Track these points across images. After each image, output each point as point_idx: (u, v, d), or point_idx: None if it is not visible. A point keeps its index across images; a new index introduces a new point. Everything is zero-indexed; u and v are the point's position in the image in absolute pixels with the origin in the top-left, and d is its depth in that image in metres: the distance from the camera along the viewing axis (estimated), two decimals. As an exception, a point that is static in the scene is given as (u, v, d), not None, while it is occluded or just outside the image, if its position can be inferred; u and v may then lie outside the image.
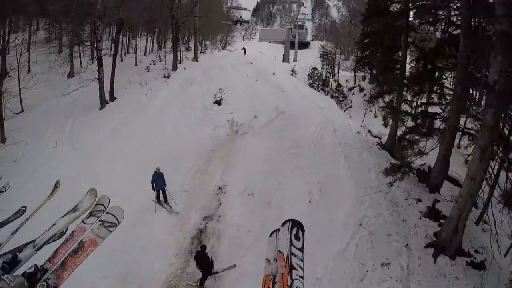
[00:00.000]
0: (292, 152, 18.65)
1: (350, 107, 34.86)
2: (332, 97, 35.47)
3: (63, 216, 4.16)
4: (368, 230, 14.79)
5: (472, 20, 16.57)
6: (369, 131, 30.52)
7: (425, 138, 18.65)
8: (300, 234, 2.99)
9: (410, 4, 20.94)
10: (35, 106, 28.11)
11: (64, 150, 22.13)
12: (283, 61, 42.88)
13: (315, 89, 31.12)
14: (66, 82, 31.68)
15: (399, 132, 20.65)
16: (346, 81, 42.76)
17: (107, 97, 27.97)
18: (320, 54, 38.38)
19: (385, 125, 27.50)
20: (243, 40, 75.06)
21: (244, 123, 21.88)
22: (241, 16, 36.24)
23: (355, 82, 41.30)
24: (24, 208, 5.86)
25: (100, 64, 27.32)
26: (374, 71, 37.49)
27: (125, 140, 21.91)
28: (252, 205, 15.51)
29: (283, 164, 17.53)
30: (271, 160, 17.79)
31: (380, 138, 28.98)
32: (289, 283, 2.74)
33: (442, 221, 15.95)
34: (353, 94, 39.10)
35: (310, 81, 31.17)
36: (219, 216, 15.62)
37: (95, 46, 27.18)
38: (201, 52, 38.43)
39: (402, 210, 16.27)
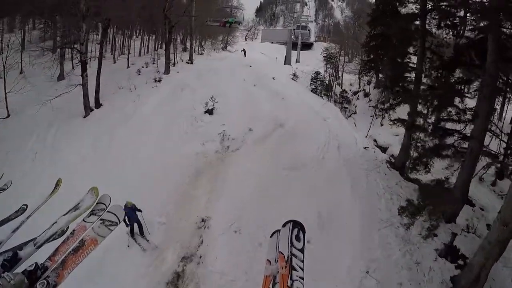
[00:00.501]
0: (290, 175, 15.59)
1: (355, 113, 31.75)
2: (336, 102, 32.45)
3: (64, 215, 3.92)
4: (376, 279, 11.82)
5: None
6: (375, 141, 27.58)
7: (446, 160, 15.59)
8: (301, 235, 2.82)
9: (428, 5, 17.33)
10: (21, 111, 25.38)
11: (42, 164, 19.46)
12: (284, 63, 39.83)
13: (317, 94, 28.05)
14: (55, 85, 28.79)
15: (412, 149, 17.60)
16: (350, 84, 39.63)
17: (92, 103, 25.09)
18: (324, 56, 35.23)
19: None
20: (245, 40, 71.95)
21: (237, 137, 18.87)
22: (234, 15, 31.03)
23: (359, 86, 38.14)
24: (25, 206, 5.39)
25: (83, 69, 24.41)
26: (380, 75, 34.54)
27: (105, 154, 19.27)
28: (239, 246, 12.56)
29: (277, 190, 14.51)
30: (264, 186, 14.79)
31: (387, 148, 26.25)
32: (289, 284, 2.65)
33: (460, 261, 13.18)
34: (358, 98, 35.97)
35: (313, 86, 28.10)
36: (200, 257, 12.67)
37: (78, 49, 24.16)
38: (198, 54, 35.38)
39: (415, 248, 13.31)
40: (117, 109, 24.29)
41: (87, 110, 24.90)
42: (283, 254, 2.84)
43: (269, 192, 14.54)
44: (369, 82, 36.89)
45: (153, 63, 29.93)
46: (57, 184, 5.81)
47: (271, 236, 3.27)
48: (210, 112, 21.08)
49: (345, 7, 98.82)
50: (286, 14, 72.67)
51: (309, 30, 63.66)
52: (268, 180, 15.12)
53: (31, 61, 31.20)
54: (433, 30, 19.40)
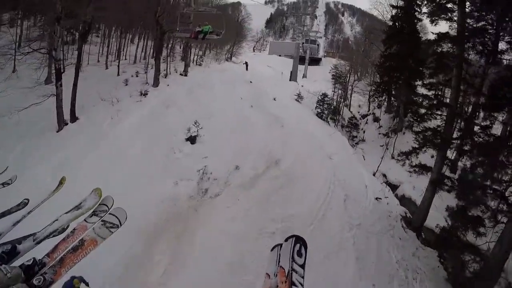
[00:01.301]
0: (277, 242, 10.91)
1: (363, 140, 27.07)
2: (343, 127, 27.85)
3: (66, 213, 3.63)
4: None
5: None
6: (384, 176, 23.01)
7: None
8: (303, 251, 2.55)
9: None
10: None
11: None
12: (290, 79, 35.29)
13: (324, 119, 23.47)
14: (40, 89, 24.48)
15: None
16: (359, 106, 34.89)
17: (67, 116, 20.88)
18: (333, 75, 30.66)
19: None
20: (253, 51, 67.76)
21: (219, 177, 14.47)
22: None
23: (368, 109, 33.42)
24: (27, 201, 4.93)
25: (58, 78, 20.18)
26: (392, 98, 29.91)
27: (66, 186, 14.58)
28: None
29: (258, 266, 9.91)
30: (240, 260, 10.24)
31: (398, 186, 21.81)
32: None
33: None
34: (366, 123, 31.29)
35: (318, 110, 23.56)
36: None
37: (53, 55, 19.93)
38: (196, 64, 30.94)
39: None
40: (93, 125, 20.07)
41: (61, 124, 20.69)
42: (283, 269, 2.53)
43: (247, 269, 9.96)
44: (379, 106, 32.24)
45: (145, 72, 25.56)
46: (61, 182, 5.23)
47: (271, 250, 2.79)
48: (192, 140, 16.65)
49: (355, 23, 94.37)
50: (296, 27, 68.09)
51: (318, 45, 59.07)
52: (248, 251, 10.55)
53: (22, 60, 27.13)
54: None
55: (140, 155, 16.02)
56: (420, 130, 15.04)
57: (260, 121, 18.99)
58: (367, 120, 31.83)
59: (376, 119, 31.03)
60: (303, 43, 57.25)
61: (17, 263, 2.94)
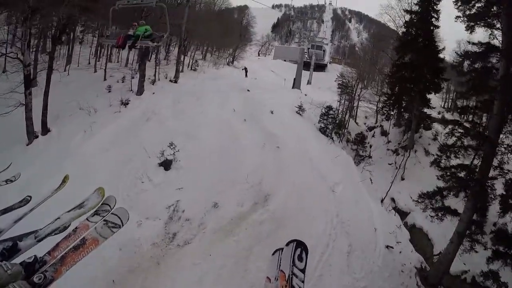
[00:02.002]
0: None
1: (369, 157, 23.56)
2: (348, 142, 24.40)
3: (68, 211, 3.52)
4: None
5: None
6: (393, 201, 19.66)
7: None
8: (304, 255, 2.50)
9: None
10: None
11: None
12: (293, 87, 31.84)
13: (327, 134, 20.02)
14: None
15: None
16: (365, 117, 31.29)
17: (38, 127, 18.03)
18: (339, 84, 27.17)
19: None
20: (258, 55, 64.37)
21: (193, 217, 11.17)
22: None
23: (376, 121, 29.87)
24: (29, 198, 4.63)
25: (27, 85, 17.17)
26: (402, 110, 26.32)
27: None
28: None
29: None
30: None
31: (407, 214, 18.60)
32: None
33: None
34: (373, 136, 27.75)
35: (322, 124, 20.11)
36: None
37: (21, 59, 16.88)
38: (190, 69, 27.60)
39: None
40: (64, 139, 17.09)
41: (31, 136, 17.86)
42: (284, 273, 2.47)
43: None
44: (387, 118, 28.68)
45: (132, 78, 22.38)
46: (64, 181, 4.96)
47: (273, 254, 2.72)
48: (166, 165, 13.31)
49: (362, 29, 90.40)
50: (302, 32, 64.43)
51: (324, 51, 55.39)
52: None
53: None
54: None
55: (106, 181, 12.73)
56: (448, 165, 11.50)
57: (252, 140, 15.61)
58: (374, 133, 28.28)
59: (384, 133, 27.46)
60: (308, 48, 53.72)
61: (17, 260, 2.76)
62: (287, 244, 2.52)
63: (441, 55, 23.54)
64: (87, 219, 3.47)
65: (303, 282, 2.39)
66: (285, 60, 50.85)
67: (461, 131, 10.90)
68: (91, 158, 14.55)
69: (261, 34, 62.46)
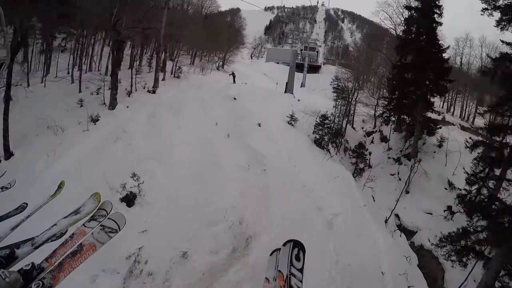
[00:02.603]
0: None
1: (369, 166, 20.80)
2: (345, 151, 21.58)
3: (64, 217, 3.30)
4: None
5: None
6: (398, 217, 17.10)
7: None
8: (301, 255, 2.48)
9: None
10: None
11: None
12: (285, 91, 28.97)
13: (323, 147, 17.22)
14: None
15: None
16: (363, 121, 28.44)
17: (1, 151, 15.46)
18: (334, 88, 24.35)
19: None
20: (251, 58, 61.47)
21: (157, 271, 8.42)
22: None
23: (374, 126, 27.04)
24: (25, 205, 4.37)
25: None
26: (405, 116, 23.48)
27: None
28: None
29: None
30: None
31: (414, 233, 15.94)
32: None
33: None
34: (372, 142, 24.98)
35: (317, 135, 17.29)
36: None
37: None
38: (174, 76, 24.60)
39: None
40: (25, 165, 14.35)
41: (-9, 161, 15.13)
42: (282, 273, 2.45)
43: None
44: (386, 122, 25.86)
45: (109, 89, 19.46)
46: (60, 186, 4.69)
47: (271, 255, 2.70)
48: (128, 201, 10.36)
49: (355, 29, 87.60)
50: (295, 34, 61.42)
51: (317, 52, 52.49)
52: None
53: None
54: None
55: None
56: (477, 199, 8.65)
57: (235, 161, 12.75)
58: (372, 138, 25.48)
59: (384, 139, 24.65)
60: (301, 50, 50.90)
61: (15, 267, 2.67)
62: (284, 244, 2.44)
63: (445, 55, 20.88)
64: (83, 224, 3.22)
65: (301, 281, 2.33)
66: (277, 63, 48.09)
67: (494, 155, 8.10)
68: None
69: (253, 37, 59.47)
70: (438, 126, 20.26)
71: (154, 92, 20.01)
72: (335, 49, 71.07)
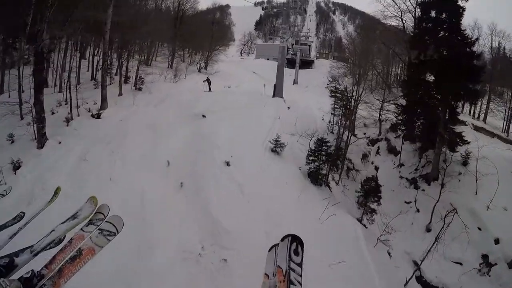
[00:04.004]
0: None
1: (378, 191, 15.14)
2: (348, 171, 16.02)
3: (62, 223, 3.05)
4: None
5: None
6: (419, 268, 11.85)
7: None
8: (300, 249, 2.27)
9: None
10: None
11: None
12: (274, 95, 23.17)
13: (321, 183, 11.61)
14: None
15: None
16: (364, 125, 22.44)
17: None
18: (331, 91, 18.68)
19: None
20: (241, 55, 55.10)
21: None
22: None
23: (379, 132, 21.19)
24: (22, 214, 3.88)
25: None
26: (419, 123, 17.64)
27: None
28: None
29: None
30: None
31: None
32: None
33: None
34: (378, 153, 19.31)
35: (312, 166, 11.60)
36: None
37: None
38: (136, 89, 18.64)
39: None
40: None
41: None
42: (281, 268, 2.21)
43: None
44: (394, 129, 20.12)
45: (52, 114, 13.78)
46: (56, 192, 4.22)
47: (269, 250, 2.43)
48: None
49: (347, 21, 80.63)
50: (286, 28, 54.75)
51: (309, 46, 46.10)
52: None
53: None
54: None
55: None
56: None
57: (180, 243, 7.13)
58: (378, 148, 19.74)
59: (393, 150, 18.95)
60: (293, 44, 44.54)
61: (15, 276, 2.51)
62: (282, 239, 2.24)
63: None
64: (81, 229, 2.98)
65: (300, 276, 2.16)
66: (268, 59, 41.86)
67: None
68: None
69: (243, 33, 53.02)
70: (467, 141, 14.49)
71: (98, 116, 14.17)
72: (327, 41, 64.40)
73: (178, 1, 29.83)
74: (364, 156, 19.50)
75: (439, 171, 15.48)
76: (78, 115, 14.35)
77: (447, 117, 14.25)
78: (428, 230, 13.73)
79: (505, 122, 24.38)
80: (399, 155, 18.27)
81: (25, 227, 3.24)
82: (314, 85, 36.79)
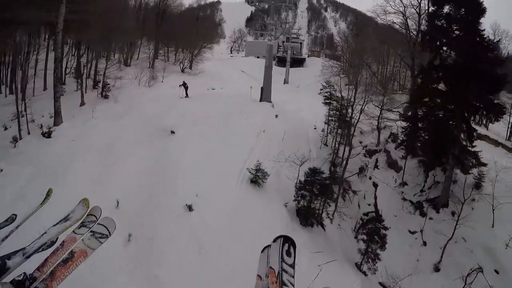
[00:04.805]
0: None
1: (375, 212, 12.50)
2: (345, 191, 13.24)
3: (54, 225, 2.63)
4: None
5: None
6: None
7: None
8: (292, 250, 1.98)
9: None
10: None
11: None
12: (261, 99, 20.18)
13: (311, 220, 8.82)
14: None
15: None
16: (360, 132, 19.57)
17: None
18: (325, 97, 15.78)
19: None
20: (231, 53, 51.57)
21: None
22: None
23: (378, 142, 18.35)
24: (14, 216, 2.98)
25: None
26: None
27: None
28: None
29: None
30: None
31: None
32: None
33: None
34: (377, 167, 16.54)
35: (301, 204, 8.78)
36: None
37: None
38: (101, 97, 15.42)
39: None
40: None
41: None
42: (273, 270, 1.97)
43: None
44: (393, 139, 17.35)
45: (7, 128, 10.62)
46: (48, 194, 3.34)
47: (262, 252, 2.10)
48: None
49: (339, 18, 77.26)
50: (277, 25, 51.23)
51: (301, 43, 42.89)
52: None
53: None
54: None
55: None
56: None
57: None
58: (377, 161, 16.95)
59: (393, 165, 16.19)
60: (283, 41, 41.31)
61: (7, 279, 2.22)
62: (274, 240, 2.00)
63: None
64: (73, 231, 2.62)
65: (293, 277, 1.93)
66: (258, 57, 38.73)
67: None
68: None
69: (233, 30, 49.51)
70: (484, 163, 11.73)
71: (49, 135, 11.03)
72: (319, 39, 61.16)
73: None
74: (361, 170, 16.70)
75: (449, 195, 12.80)
76: (29, 133, 11.24)
77: (461, 135, 11.45)
78: (437, 269, 11.13)
79: (509, 130, 21.80)
80: (401, 171, 15.58)
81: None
82: (305, 84, 33.85)
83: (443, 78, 10.83)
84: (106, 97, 15.26)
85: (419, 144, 12.80)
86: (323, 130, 16.26)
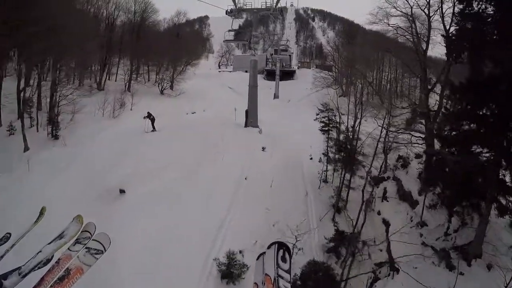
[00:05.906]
0: None
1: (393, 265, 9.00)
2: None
3: (49, 243, 2.95)
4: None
5: None
6: None
7: None
8: (287, 256, 2.25)
9: None
10: None
11: None
12: (246, 125, 16.97)
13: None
14: None
15: None
16: (362, 154, 16.02)
17: None
18: (324, 123, 12.53)
19: None
20: (219, 67, 48.56)
21: None
22: None
23: (384, 168, 14.99)
24: (9, 235, 3.66)
25: None
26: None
27: None
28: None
29: None
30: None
31: None
32: None
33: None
34: (385, 198, 13.17)
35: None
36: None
37: None
38: (52, 136, 12.08)
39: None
40: None
41: None
42: (269, 276, 2.18)
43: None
44: (403, 164, 14.06)
45: None
46: (41, 213, 4.03)
47: (257, 259, 2.36)
48: None
49: (327, 27, 74.69)
50: (266, 37, 48.31)
51: (290, 55, 39.86)
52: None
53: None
54: None
55: None
56: None
57: None
58: (385, 192, 13.56)
59: (407, 197, 12.85)
60: (272, 54, 38.33)
61: None
62: (269, 247, 2.19)
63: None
64: (69, 249, 2.90)
65: (289, 282, 2.09)
66: (246, 71, 35.75)
67: None
68: None
69: (220, 44, 46.62)
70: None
71: None
72: (308, 49, 58.38)
73: (134, 10, 23.24)
74: (367, 203, 13.37)
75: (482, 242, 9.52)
76: None
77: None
78: None
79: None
80: (417, 206, 12.29)
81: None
82: (297, 98, 30.79)
83: (490, 99, 7.60)
84: (56, 137, 11.89)
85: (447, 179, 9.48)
86: (320, 161, 13.00)
